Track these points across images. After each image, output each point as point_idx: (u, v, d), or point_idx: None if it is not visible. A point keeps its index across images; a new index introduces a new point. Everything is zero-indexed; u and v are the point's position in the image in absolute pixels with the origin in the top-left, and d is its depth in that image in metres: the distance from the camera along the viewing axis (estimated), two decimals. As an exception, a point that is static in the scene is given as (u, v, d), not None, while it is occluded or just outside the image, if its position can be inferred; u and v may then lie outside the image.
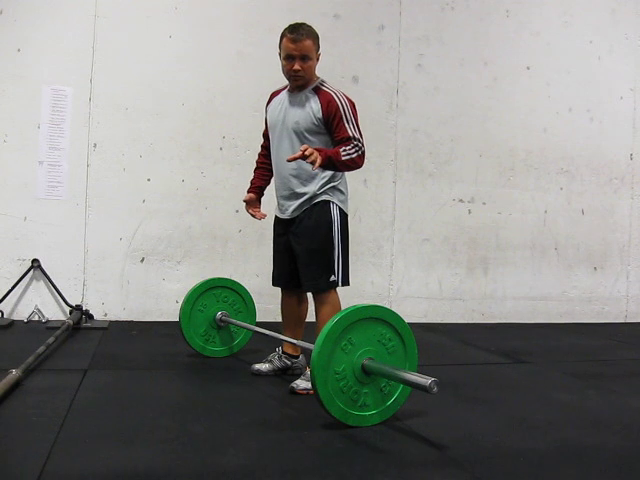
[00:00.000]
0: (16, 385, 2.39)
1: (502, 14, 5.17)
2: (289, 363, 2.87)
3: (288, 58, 2.60)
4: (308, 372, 2.53)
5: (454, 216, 5.05)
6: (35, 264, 4.12)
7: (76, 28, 4.22)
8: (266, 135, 2.91)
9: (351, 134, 2.55)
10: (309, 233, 2.65)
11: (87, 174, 4.26)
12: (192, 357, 3.21)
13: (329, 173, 2.63)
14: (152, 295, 4.38)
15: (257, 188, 2.92)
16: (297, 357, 2.87)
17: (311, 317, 2.80)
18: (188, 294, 3.21)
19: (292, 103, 2.67)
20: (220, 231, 4.51)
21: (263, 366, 2.85)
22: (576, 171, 5.40)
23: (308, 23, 2.66)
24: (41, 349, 2.87)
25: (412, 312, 4.81)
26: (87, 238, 4.25)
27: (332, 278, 2.62)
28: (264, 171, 2.92)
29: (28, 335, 3.67)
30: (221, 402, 2.43)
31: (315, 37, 2.63)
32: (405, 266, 4.92)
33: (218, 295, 3.25)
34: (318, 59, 2.68)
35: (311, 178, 2.63)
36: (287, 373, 2.85)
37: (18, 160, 4.15)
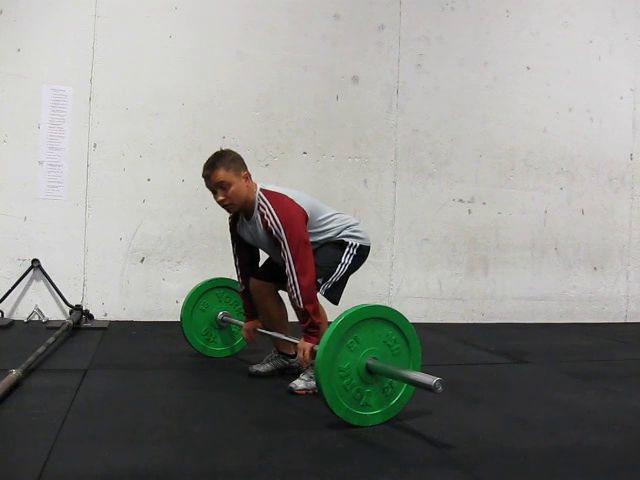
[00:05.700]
0: (16, 385, 2.39)
1: (502, 14, 5.18)
2: (286, 363, 2.87)
3: (212, 192, 2.61)
4: (308, 372, 2.54)
5: (454, 216, 5.05)
6: (35, 264, 4.13)
7: (76, 28, 4.22)
8: (237, 254, 2.84)
9: (286, 255, 2.44)
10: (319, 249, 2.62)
11: (87, 174, 4.26)
12: (193, 357, 3.21)
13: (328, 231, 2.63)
14: (152, 295, 4.38)
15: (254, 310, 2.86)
16: (294, 356, 2.87)
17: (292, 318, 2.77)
18: (190, 293, 3.21)
19: (253, 230, 2.64)
20: (220, 231, 4.48)
21: (261, 367, 2.86)
22: (576, 171, 5.40)
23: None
24: (41, 349, 2.87)
25: (412, 312, 4.79)
26: (87, 238, 4.25)
27: (319, 281, 2.53)
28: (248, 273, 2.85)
29: (28, 335, 3.67)
30: (221, 402, 2.43)
31: (229, 162, 2.54)
32: (405, 266, 4.92)
33: (220, 295, 3.25)
34: (246, 178, 2.56)
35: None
36: (285, 373, 2.86)
37: (18, 160, 4.15)
